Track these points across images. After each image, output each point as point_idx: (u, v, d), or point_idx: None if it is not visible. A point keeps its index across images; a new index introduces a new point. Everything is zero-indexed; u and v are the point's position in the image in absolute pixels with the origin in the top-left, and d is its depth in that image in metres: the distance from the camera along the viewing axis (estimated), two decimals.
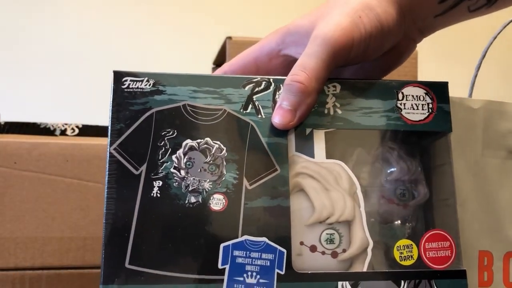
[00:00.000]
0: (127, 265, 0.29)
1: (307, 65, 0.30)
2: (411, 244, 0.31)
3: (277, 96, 0.32)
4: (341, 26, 0.30)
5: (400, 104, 0.33)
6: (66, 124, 0.62)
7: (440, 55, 1.48)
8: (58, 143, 0.48)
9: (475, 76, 0.48)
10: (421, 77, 0.73)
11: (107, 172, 0.30)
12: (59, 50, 1.25)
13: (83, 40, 1.27)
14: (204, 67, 0.87)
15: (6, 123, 0.58)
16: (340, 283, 0.30)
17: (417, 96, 0.33)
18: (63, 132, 0.62)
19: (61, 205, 0.47)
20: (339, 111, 0.32)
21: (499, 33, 0.47)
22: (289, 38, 0.34)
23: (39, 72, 1.24)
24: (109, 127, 0.30)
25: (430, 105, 0.33)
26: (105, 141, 0.51)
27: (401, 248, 0.31)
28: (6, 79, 1.23)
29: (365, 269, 0.30)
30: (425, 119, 0.33)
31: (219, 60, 0.74)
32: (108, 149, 0.30)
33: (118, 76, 0.31)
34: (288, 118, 0.30)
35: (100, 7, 1.30)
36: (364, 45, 0.31)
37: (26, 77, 1.24)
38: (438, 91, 0.33)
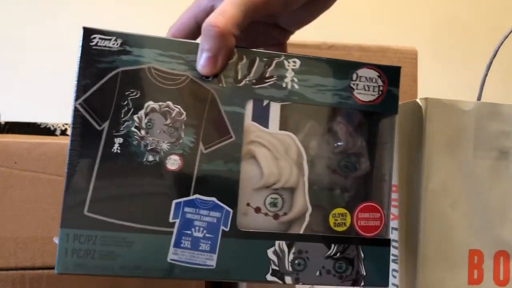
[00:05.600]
0: (85, 212, 0.31)
1: (225, 10, 0.33)
2: (345, 213, 0.35)
3: (239, 66, 0.34)
4: None
5: (353, 84, 0.35)
6: (66, 124, 0.62)
7: (440, 56, 1.47)
8: (58, 143, 0.48)
9: (485, 76, 0.46)
10: (421, 77, 0.72)
11: (71, 126, 0.32)
12: (59, 50, 1.23)
13: None
14: None
15: (6, 123, 0.58)
16: (277, 242, 0.33)
17: (370, 78, 0.35)
18: (63, 132, 0.62)
19: (61, 205, 0.47)
20: (296, 86, 0.34)
21: (510, 32, 0.45)
22: None
23: (39, 72, 1.24)
24: (76, 82, 0.32)
25: (381, 88, 0.35)
26: None
27: (336, 216, 0.35)
28: (6, 79, 1.23)
29: (301, 232, 0.34)
30: (374, 100, 0.35)
31: None
32: (73, 103, 0.32)
33: (88, 33, 0.32)
34: (212, 65, 0.33)
35: (100, 7, 1.30)
36: None
37: (26, 77, 1.24)
38: (390, 75, 0.36)
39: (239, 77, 0.34)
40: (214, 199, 0.33)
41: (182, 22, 0.39)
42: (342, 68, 0.35)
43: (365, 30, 1.30)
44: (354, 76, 0.35)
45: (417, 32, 1.48)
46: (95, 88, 0.32)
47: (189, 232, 0.32)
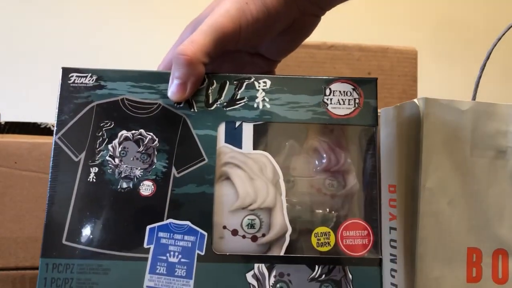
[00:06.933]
0: (64, 241, 0.32)
1: (194, 40, 0.34)
2: (329, 232, 0.33)
3: (210, 91, 0.35)
4: (229, 13, 0.34)
5: (327, 99, 0.34)
6: None
7: (440, 56, 1.45)
8: None
9: (479, 77, 0.47)
10: (421, 77, 0.72)
11: (51, 158, 0.33)
12: (59, 50, 1.26)
13: (83, 40, 1.29)
14: None
15: (6, 123, 0.58)
16: (256, 265, 0.32)
17: (344, 91, 0.35)
18: None
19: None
20: (268, 105, 0.34)
21: (503, 34, 0.46)
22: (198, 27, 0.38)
23: (39, 72, 1.23)
24: (56, 118, 0.34)
25: (357, 100, 0.34)
26: None
27: (319, 235, 0.33)
28: (6, 79, 1.24)
29: (282, 253, 0.33)
30: (350, 113, 0.34)
31: None
32: (54, 138, 0.34)
33: (66, 72, 0.35)
34: (181, 91, 0.34)
35: (101, 7, 1.33)
36: (252, 29, 0.35)
37: (26, 77, 1.25)
38: (366, 87, 0.35)
39: (210, 101, 0.34)
40: (188, 222, 0.32)
41: (168, 61, 0.40)
42: (313, 84, 0.35)
43: (365, 30, 1.29)
44: (327, 91, 0.35)
45: (417, 32, 1.46)
46: (72, 122, 0.34)
47: (164, 257, 0.32)
